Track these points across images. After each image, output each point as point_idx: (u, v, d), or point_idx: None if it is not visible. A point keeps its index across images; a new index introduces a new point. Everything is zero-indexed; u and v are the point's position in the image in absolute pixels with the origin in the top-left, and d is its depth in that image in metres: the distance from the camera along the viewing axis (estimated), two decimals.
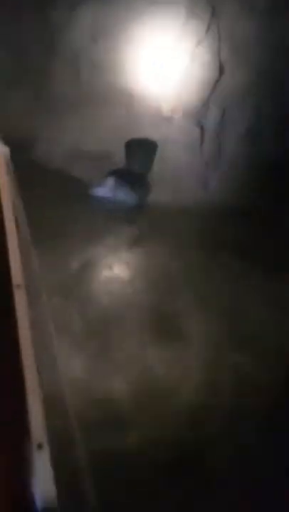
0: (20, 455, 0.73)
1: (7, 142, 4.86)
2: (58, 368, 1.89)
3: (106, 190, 4.16)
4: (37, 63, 4.89)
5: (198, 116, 4.55)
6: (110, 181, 4.20)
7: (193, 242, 3.67)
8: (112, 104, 4.64)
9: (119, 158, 4.56)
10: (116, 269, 3.10)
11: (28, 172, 4.58)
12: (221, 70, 4.50)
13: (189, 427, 2.00)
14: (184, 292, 2.96)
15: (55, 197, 4.13)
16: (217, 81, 4.50)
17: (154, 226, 3.85)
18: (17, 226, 1.31)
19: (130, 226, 3.71)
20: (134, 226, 3.72)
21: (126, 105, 4.56)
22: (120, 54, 4.49)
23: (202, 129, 4.58)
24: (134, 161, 4.43)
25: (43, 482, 0.70)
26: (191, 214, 4.15)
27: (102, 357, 2.26)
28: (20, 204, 1.54)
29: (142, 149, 4.43)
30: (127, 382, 2.13)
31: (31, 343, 0.88)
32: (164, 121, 4.49)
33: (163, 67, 4.43)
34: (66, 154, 4.85)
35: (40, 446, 0.73)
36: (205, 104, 4.55)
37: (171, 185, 4.47)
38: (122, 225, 3.72)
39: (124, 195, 4.10)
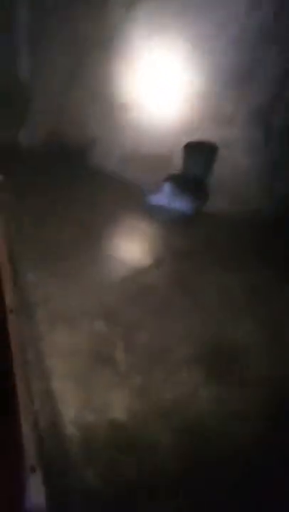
0: (14, 478, 0.73)
1: (65, 144, 4.71)
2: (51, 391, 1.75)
3: (161, 197, 3.91)
4: (94, 63, 4.74)
5: (263, 115, 4.15)
6: (166, 188, 3.94)
7: (255, 258, 3.32)
8: (171, 104, 4.36)
9: (177, 162, 4.28)
10: (166, 288, 2.83)
11: (85, 174, 4.50)
12: None
13: (245, 495, 1.68)
14: (244, 320, 2.63)
15: (108, 202, 3.95)
16: (286, 77, 4.07)
17: (211, 238, 3.54)
18: (10, 250, 1.28)
19: (184, 237, 3.42)
20: (188, 238, 3.43)
21: (185, 106, 4.26)
22: (178, 51, 4.19)
23: (267, 129, 4.18)
24: (193, 165, 4.14)
25: (35, 504, 0.70)
26: (253, 224, 3.79)
27: (146, 396, 2.00)
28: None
29: (201, 153, 4.12)
30: (172, 430, 1.86)
31: (24, 367, 0.88)
32: (226, 122, 4.14)
33: (225, 64, 4.07)
34: (123, 157, 4.66)
35: (33, 469, 0.74)
36: (271, 102, 4.14)
37: (232, 191, 4.13)
38: (175, 236, 3.45)
39: (181, 204, 3.82)
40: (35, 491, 0.72)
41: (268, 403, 2.05)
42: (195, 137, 4.17)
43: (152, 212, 3.88)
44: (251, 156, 4.20)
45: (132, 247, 3.26)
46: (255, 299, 2.80)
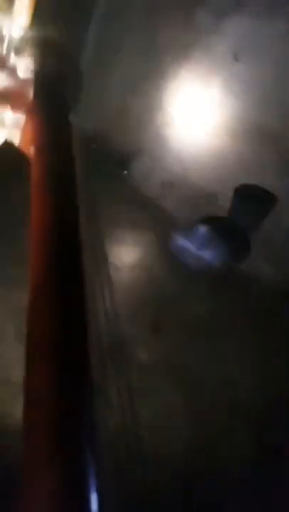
0: (79, 394, 0.70)
1: (110, 152, 4.12)
2: None
3: (193, 240, 3.24)
4: (166, 69, 4.17)
5: None
6: (201, 230, 3.26)
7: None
8: (235, 137, 3.71)
9: (224, 203, 3.61)
10: (152, 366, 2.12)
11: (120, 190, 3.92)
12: None
13: None
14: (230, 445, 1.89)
15: (130, 227, 3.33)
16: None
17: (238, 307, 2.81)
18: None
19: (202, 299, 2.71)
20: (208, 301, 2.72)
21: (251, 142, 3.60)
22: (262, 79, 3.53)
23: None
24: (240, 212, 3.45)
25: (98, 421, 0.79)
26: None
27: None
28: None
29: (253, 200, 3.42)
30: None
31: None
32: None
33: None
34: (164, 181, 4.05)
35: (98, 390, 0.50)
36: None
37: (280, 254, 3.40)
38: (192, 295, 2.74)
39: (212, 254, 3.13)
40: (99, 408, 0.76)
41: None
42: (251, 181, 3.49)
43: (177, 255, 3.21)
44: None
45: (130, 296, 2.58)
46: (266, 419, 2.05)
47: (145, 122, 4.28)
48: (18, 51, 1.18)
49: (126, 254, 3.03)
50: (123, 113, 4.38)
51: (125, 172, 4.15)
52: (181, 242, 3.24)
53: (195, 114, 4.05)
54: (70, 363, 0.75)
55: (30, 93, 1.14)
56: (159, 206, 3.75)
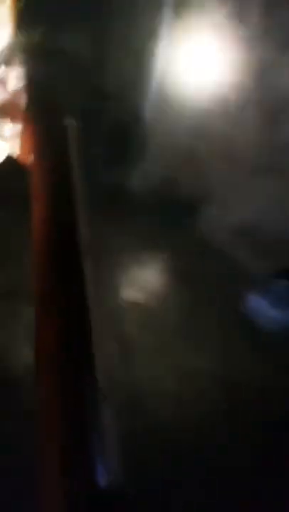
0: (84, 403, 0.68)
1: (177, 198, 3.82)
2: None
3: (268, 297, 2.78)
4: (232, 112, 3.91)
5: None
6: (279, 286, 2.81)
7: None
8: None
9: None
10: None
11: (186, 239, 3.63)
12: None
13: None
14: None
15: (198, 282, 2.98)
16: None
17: None
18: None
19: (275, 372, 2.20)
20: (282, 373, 2.21)
21: None
22: None
23: None
24: None
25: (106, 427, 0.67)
26: None
27: None
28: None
29: None
30: None
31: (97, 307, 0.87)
32: None
33: None
34: (236, 230, 3.68)
35: (104, 397, 0.71)
36: None
37: None
38: (264, 366, 2.25)
39: (286, 313, 2.65)
40: (106, 417, 0.68)
41: None
42: None
43: (249, 316, 2.77)
44: None
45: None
46: None
47: (215, 168, 4.00)
48: (7, 61, 1.14)
49: (186, 312, 2.66)
50: (192, 158, 4.14)
51: (193, 220, 3.86)
52: (255, 300, 2.81)
53: (266, 158, 3.70)
54: (71, 369, 0.76)
55: (24, 102, 1.11)
56: (229, 257, 3.37)
